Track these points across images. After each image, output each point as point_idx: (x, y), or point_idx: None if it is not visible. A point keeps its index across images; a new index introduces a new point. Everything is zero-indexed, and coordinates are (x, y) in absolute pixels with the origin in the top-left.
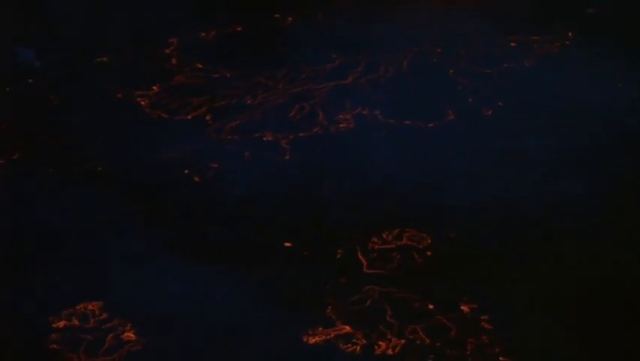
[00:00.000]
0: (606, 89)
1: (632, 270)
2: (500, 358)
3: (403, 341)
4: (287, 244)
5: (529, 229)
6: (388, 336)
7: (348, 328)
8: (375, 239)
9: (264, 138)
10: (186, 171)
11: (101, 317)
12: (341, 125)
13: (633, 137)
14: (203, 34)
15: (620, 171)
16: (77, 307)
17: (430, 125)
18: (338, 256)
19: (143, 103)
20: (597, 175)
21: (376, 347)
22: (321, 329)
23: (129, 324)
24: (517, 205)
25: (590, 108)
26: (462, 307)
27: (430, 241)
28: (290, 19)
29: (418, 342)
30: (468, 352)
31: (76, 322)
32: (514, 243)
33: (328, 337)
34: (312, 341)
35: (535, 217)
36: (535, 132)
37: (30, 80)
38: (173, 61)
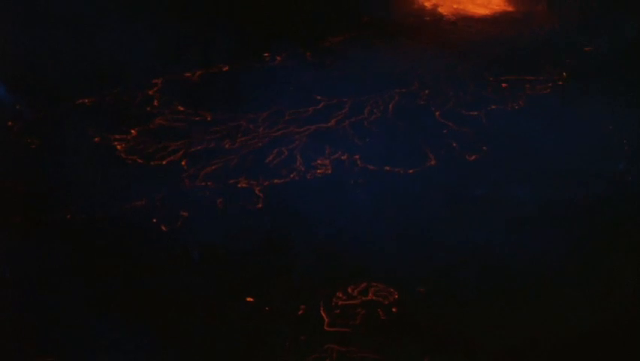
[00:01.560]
0: (596, 132)
1: (611, 321)
2: None
3: None
4: (249, 299)
5: (505, 283)
6: None
7: None
8: (340, 294)
9: (239, 185)
10: (154, 220)
11: None
12: (318, 171)
13: (621, 187)
14: (188, 75)
15: (606, 223)
16: None
17: (410, 171)
18: (300, 312)
19: (119, 147)
20: (580, 227)
21: None
22: None
23: None
24: (495, 258)
25: (579, 154)
26: None
27: (397, 296)
28: (279, 58)
29: None
30: None
31: None
32: (490, 298)
33: None
34: None
35: (513, 271)
36: (520, 181)
37: (9, 123)
38: (155, 102)
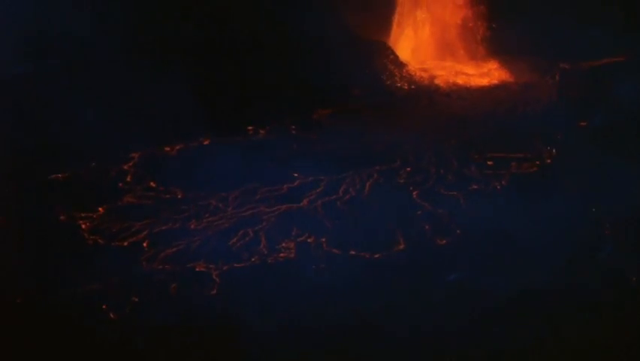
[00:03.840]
0: (579, 215)
1: None
2: None
3: None
4: None
5: None
6: None
7: None
8: None
9: (196, 269)
10: (104, 306)
11: None
12: (281, 255)
13: (604, 275)
14: (168, 149)
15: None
16: None
17: (376, 255)
18: None
19: (83, 226)
20: (553, 322)
21: None
22: None
23: None
24: (459, 352)
25: (559, 240)
26: None
27: None
28: (262, 131)
29: None
30: None
31: None
32: None
33: None
34: None
35: None
36: (491, 268)
37: None
38: (128, 178)
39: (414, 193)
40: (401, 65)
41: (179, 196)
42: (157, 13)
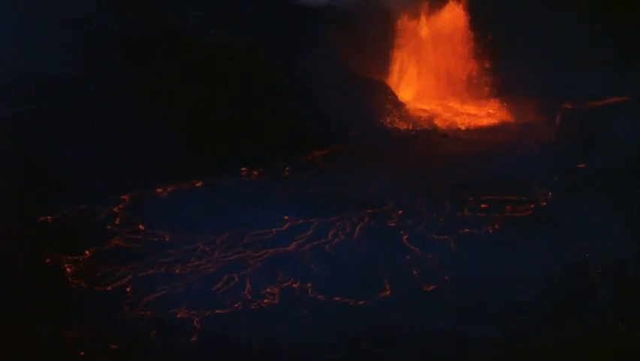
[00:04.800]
0: (572, 262)
1: None
2: None
3: None
4: None
5: None
6: None
7: None
8: None
9: (178, 315)
10: (82, 353)
11: None
12: (265, 301)
13: (597, 326)
14: (160, 190)
15: None
16: None
17: (361, 302)
18: None
19: (69, 270)
20: None
21: None
22: None
23: None
24: None
25: (550, 288)
26: None
27: None
28: (255, 173)
29: None
30: None
31: None
32: None
33: None
34: None
35: None
36: (477, 317)
37: None
38: (117, 220)
39: (404, 237)
40: (399, 104)
41: (167, 239)
42: (147, 54)
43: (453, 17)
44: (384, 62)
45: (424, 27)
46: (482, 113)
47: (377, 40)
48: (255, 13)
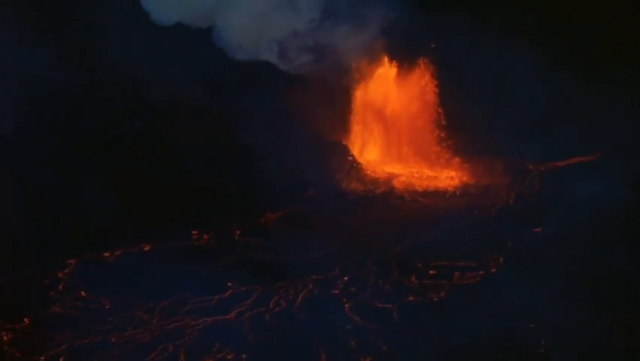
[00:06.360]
0: (514, 331)
1: None
2: None
3: None
4: None
5: None
6: None
7: None
8: None
9: None
10: None
11: None
12: None
13: None
14: (107, 254)
15: None
16: None
17: None
18: None
19: (5, 339)
20: None
21: None
22: None
23: None
24: None
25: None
26: None
27: None
28: (206, 236)
29: None
30: None
31: None
32: None
33: None
34: None
35: None
36: None
37: None
38: (61, 286)
39: (346, 306)
40: (358, 166)
41: (107, 306)
42: (98, 114)
43: (419, 81)
44: (345, 123)
45: (390, 89)
46: (443, 175)
47: (339, 101)
48: (211, 72)
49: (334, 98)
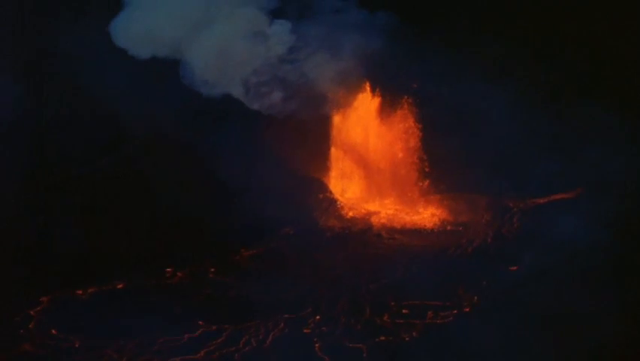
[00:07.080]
0: None
1: None
2: None
3: None
4: None
5: None
6: None
7: None
8: None
9: None
10: None
11: None
12: None
13: None
14: (80, 292)
15: None
16: None
17: None
18: None
19: None
20: None
21: None
22: None
23: None
24: None
25: None
26: None
27: None
28: (179, 274)
29: None
30: None
31: None
32: None
33: None
34: None
35: None
36: None
37: None
38: (32, 325)
39: (316, 345)
40: (335, 203)
41: (77, 345)
42: (72, 149)
43: (403, 123)
44: (324, 160)
45: (371, 123)
46: (423, 212)
47: (318, 138)
48: (187, 106)
49: (313, 132)
